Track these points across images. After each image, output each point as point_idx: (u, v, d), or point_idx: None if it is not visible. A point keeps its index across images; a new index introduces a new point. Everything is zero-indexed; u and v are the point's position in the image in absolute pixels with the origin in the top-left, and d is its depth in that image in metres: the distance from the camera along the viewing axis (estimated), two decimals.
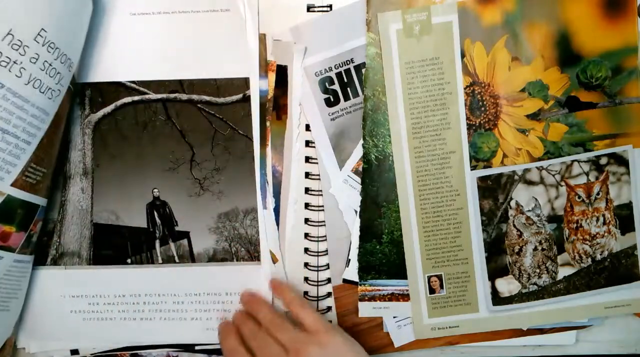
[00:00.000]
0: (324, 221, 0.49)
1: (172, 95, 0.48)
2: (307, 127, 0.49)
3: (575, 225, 0.48)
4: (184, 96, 0.48)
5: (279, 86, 0.48)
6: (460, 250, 0.48)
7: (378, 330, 0.50)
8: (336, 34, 0.48)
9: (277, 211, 0.49)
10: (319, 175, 0.49)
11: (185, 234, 0.49)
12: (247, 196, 0.49)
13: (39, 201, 0.43)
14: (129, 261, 0.49)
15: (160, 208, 0.49)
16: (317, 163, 0.49)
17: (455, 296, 0.49)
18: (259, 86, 0.48)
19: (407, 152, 0.47)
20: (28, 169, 0.40)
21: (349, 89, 0.48)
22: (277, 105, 0.49)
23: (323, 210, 0.49)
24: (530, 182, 0.48)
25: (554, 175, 0.48)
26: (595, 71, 0.46)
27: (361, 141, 0.48)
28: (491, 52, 0.46)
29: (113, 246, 0.49)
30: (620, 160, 0.47)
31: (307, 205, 0.49)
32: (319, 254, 0.50)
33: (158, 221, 0.49)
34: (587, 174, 0.48)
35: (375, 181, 0.48)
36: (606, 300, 0.49)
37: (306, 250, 0.50)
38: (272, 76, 0.48)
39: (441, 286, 0.49)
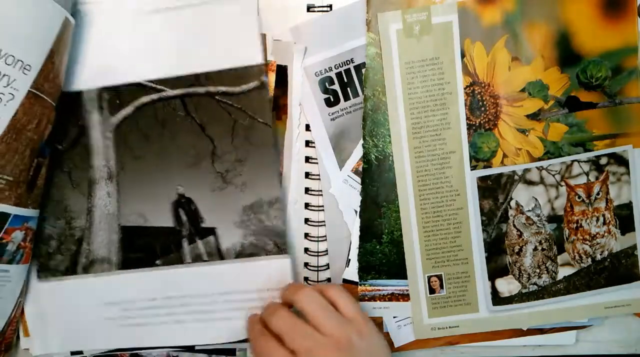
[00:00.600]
0: (324, 221, 0.49)
1: (190, 90, 0.48)
2: (307, 127, 0.49)
3: (575, 225, 0.48)
4: (201, 89, 0.48)
5: (279, 86, 0.48)
6: (460, 250, 0.48)
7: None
8: (336, 34, 0.48)
9: None
10: (319, 175, 0.49)
11: (212, 231, 0.48)
12: (270, 186, 0.48)
13: (8, 209, 0.42)
14: (158, 262, 0.49)
15: (186, 205, 0.48)
16: (317, 163, 0.49)
17: (455, 296, 0.49)
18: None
19: (407, 152, 0.47)
20: None
21: (349, 89, 0.48)
22: (277, 105, 0.49)
23: (323, 210, 0.49)
24: (530, 182, 0.48)
25: (554, 175, 0.48)
26: (595, 71, 0.46)
27: (361, 141, 0.48)
28: (491, 52, 0.46)
29: (142, 248, 0.49)
30: (620, 160, 0.47)
31: (307, 205, 0.49)
32: (319, 254, 0.50)
33: (184, 218, 0.49)
34: (587, 174, 0.48)
35: (375, 181, 0.48)
36: (606, 300, 0.49)
37: (306, 250, 0.50)
38: (272, 76, 0.48)
39: (441, 286, 0.49)
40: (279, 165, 0.48)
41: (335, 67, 0.48)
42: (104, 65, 0.48)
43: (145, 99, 0.48)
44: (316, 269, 0.50)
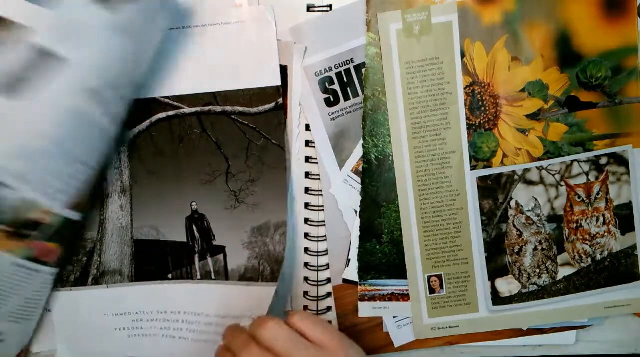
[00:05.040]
0: (324, 221, 0.49)
1: (207, 108, 0.48)
2: (307, 127, 0.49)
3: (575, 225, 0.48)
4: (218, 108, 0.48)
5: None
6: (460, 250, 0.48)
7: (378, 330, 0.50)
8: (336, 34, 0.48)
9: None
10: (319, 175, 0.49)
11: (222, 249, 0.49)
12: (279, 209, 0.48)
13: (79, 217, 0.44)
14: (170, 276, 0.49)
15: (199, 222, 0.49)
16: (317, 163, 0.49)
17: (455, 296, 0.49)
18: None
19: (407, 152, 0.47)
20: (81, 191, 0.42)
21: (349, 89, 0.48)
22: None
23: (323, 210, 0.49)
24: (530, 182, 0.48)
25: (554, 176, 0.48)
26: (595, 71, 0.46)
27: (361, 141, 0.48)
28: (491, 52, 0.46)
29: (155, 262, 0.49)
30: (620, 161, 0.47)
31: (307, 205, 0.49)
32: (319, 254, 0.50)
33: (197, 235, 0.49)
34: (587, 174, 0.48)
35: (375, 181, 0.48)
36: (606, 300, 0.49)
37: (306, 250, 0.50)
38: None
39: (441, 286, 0.49)
40: (288, 190, 0.48)
41: (335, 67, 0.48)
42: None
43: (161, 115, 0.48)
44: (316, 269, 0.50)
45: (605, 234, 0.48)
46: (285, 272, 0.49)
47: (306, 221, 0.50)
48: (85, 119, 0.39)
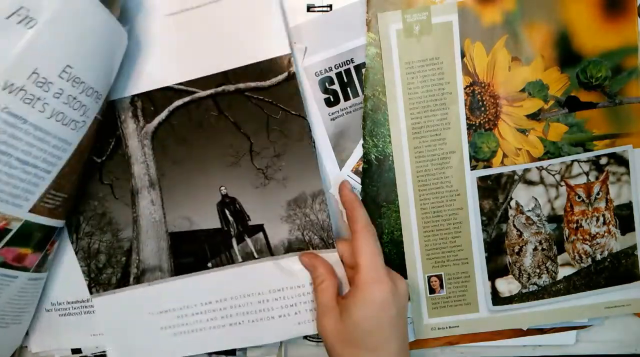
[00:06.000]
0: None
1: (220, 89, 0.47)
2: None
3: (575, 225, 0.48)
4: (232, 87, 0.47)
5: None
6: (460, 250, 0.48)
7: None
8: (336, 34, 0.48)
9: None
10: None
11: (260, 227, 0.48)
12: (312, 179, 0.47)
13: (57, 223, 0.44)
14: (209, 265, 0.49)
15: (231, 205, 0.48)
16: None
17: (455, 296, 0.49)
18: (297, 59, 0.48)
19: (407, 152, 0.47)
20: (47, 196, 0.40)
21: (349, 89, 0.48)
22: None
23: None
24: (530, 182, 0.48)
25: (554, 176, 0.48)
26: (595, 71, 0.46)
27: (361, 141, 0.48)
28: (491, 52, 0.46)
29: (192, 253, 0.48)
30: (620, 161, 0.47)
31: None
32: None
33: (230, 218, 0.48)
34: (587, 174, 0.48)
35: (375, 181, 0.48)
36: (606, 300, 0.49)
37: None
38: None
39: (441, 286, 0.49)
40: (316, 158, 0.48)
41: (335, 67, 0.48)
42: (135, 72, 0.47)
43: (178, 102, 0.47)
44: None
45: (605, 234, 0.48)
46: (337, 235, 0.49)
47: None
48: (18, 125, 0.37)
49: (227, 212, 0.48)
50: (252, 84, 0.47)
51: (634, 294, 0.48)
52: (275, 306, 0.48)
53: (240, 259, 0.48)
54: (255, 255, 0.48)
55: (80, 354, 0.51)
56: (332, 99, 0.48)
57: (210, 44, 0.47)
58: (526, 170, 0.48)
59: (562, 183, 0.48)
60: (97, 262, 0.49)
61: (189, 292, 0.49)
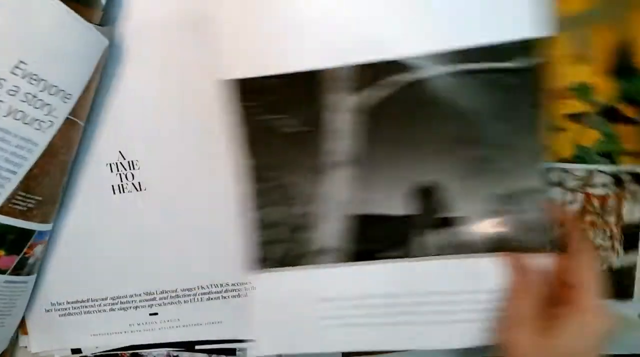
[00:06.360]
0: None
1: (450, 68, 0.41)
2: None
3: None
4: (462, 67, 0.41)
5: None
6: None
7: None
8: None
9: None
10: None
11: (460, 220, 0.43)
12: (529, 175, 0.43)
13: (34, 226, 0.43)
14: (394, 254, 0.43)
15: (433, 193, 0.43)
16: None
17: None
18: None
19: None
20: (15, 197, 0.40)
21: None
22: None
23: None
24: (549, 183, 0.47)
25: (574, 181, 0.48)
26: None
27: None
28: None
29: (377, 239, 0.43)
30: None
31: None
32: None
33: (427, 207, 0.43)
34: (606, 186, 0.48)
35: None
36: None
37: None
38: None
39: None
40: (542, 154, 0.43)
41: None
42: (358, 37, 0.41)
43: (399, 77, 0.41)
44: None
45: (609, 248, 0.49)
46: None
47: None
48: None
49: (425, 199, 0.43)
50: (497, 65, 0.41)
51: (625, 312, 0.50)
52: (463, 308, 0.44)
53: (433, 252, 0.44)
54: (450, 250, 0.43)
55: (80, 354, 0.50)
56: None
57: (454, 15, 0.41)
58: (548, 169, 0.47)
59: (580, 190, 0.48)
60: (263, 236, 0.44)
61: (361, 282, 0.44)
